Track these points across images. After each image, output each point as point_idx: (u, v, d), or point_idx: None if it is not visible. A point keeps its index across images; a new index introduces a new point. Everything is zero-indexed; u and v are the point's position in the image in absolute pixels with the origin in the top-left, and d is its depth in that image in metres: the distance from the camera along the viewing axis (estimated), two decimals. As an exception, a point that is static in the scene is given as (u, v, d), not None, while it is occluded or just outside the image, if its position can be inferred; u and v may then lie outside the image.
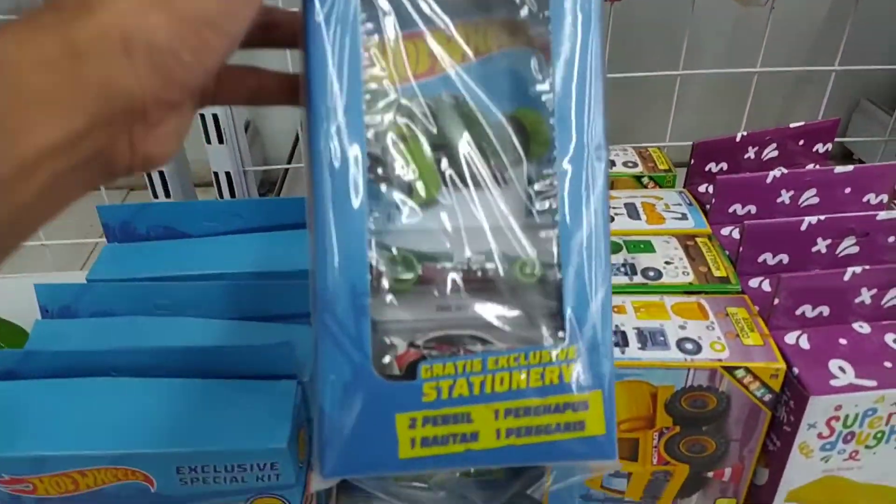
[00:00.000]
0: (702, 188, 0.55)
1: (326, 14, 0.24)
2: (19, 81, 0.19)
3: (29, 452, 0.37)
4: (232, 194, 0.74)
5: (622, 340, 0.40)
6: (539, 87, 0.26)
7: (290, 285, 0.46)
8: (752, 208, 0.50)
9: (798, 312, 0.41)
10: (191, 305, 0.46)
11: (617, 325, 0.41)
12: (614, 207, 0.52)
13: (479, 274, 0.26)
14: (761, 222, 0.44)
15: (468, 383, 0.25)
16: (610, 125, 0.26)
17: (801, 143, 0.54)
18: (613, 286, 0.26)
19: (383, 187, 0.26)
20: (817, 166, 0.53)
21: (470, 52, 0.26)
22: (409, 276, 0.26)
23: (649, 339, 0.40)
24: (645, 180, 0.57)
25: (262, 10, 0.23)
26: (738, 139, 0.53)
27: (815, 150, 0.55)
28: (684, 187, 0.56)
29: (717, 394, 0.40)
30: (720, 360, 0.39)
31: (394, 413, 0.25)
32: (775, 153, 0.54)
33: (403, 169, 0.26)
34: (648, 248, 0.48)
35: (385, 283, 0.26)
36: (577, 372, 0.25)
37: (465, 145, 0.26)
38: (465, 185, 0.26)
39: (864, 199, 0.49)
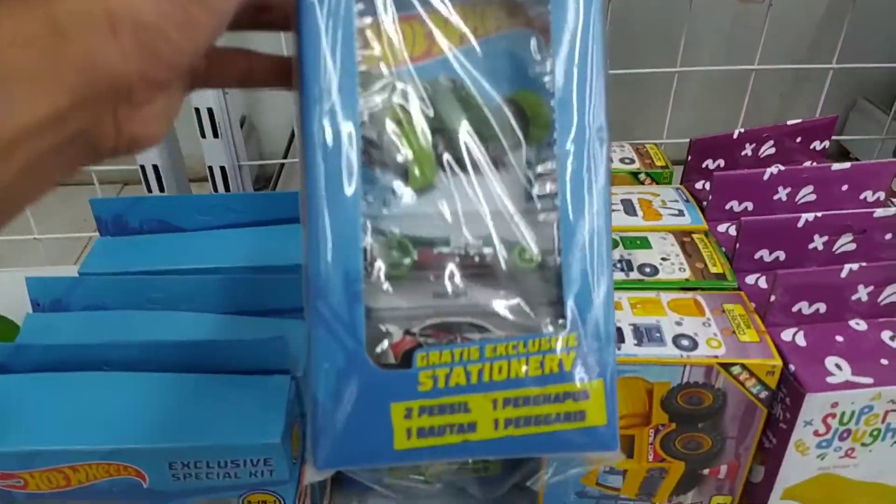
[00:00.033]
0: (699, 185, 0.55)
1: None
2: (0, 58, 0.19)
3: (19, 447, 0.36)
4: (227, 189, 0.74)
5: (618, 336, 0.40)
6: (539, 69, 0.25)
7: (283, 280, 0.45)
8: (749, 205, 0.50)
9: (795, 309, 0.41)
10: (184, 299, 0.45)
11: (613, 321, 0.41)
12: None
13: (477, 259, 0.26)
14: (758, 219, 0.44)
15: (465, 372, 0.24)
16: (611, 110, 0.25)
17: (799, 140, 0.54)
18: (609, 283, 0.26)
19: (378, 171, 0.25)
20: (814, 163, 0.52)
21: (468, 34, 0.26)
22: (404, 261, 0.25)
23: (645, 335, 0.40)
24: (642, 177, 0.57)
25: None
26: (735, 136, 0.53)
27: (812, 147, 0.55)
28: (681, 184, 0.56)
29: (714, 391, 0.40)
30: (716, 356, 0.39)
31: (389, 402, 0.24)
32: (772, 150, 0.54)
33: (399, 153, 0.25)
34: (645, 244, 0.47)
35: (380, 269, 0.25)
36: (578, 360, 0.25)
37: (462, 129, 0.25)
38: (463, 169, 0.26)
39: (861, 197, 0.49)
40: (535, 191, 0.26)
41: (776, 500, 0.43)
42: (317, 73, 0.24)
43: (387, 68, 0.25)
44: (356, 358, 0.24)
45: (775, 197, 0.49)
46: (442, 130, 0.26)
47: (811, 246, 0.45)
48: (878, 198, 0.49)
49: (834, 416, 0.39)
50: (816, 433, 0.40)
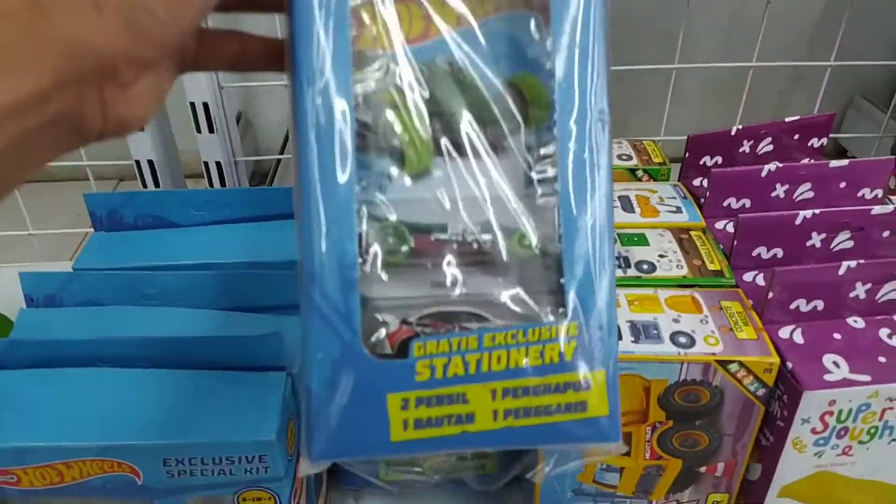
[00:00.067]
0: (696, 182, 0.55)
1: None
2: None
3: (13, 443, 0.36)
4: (222, 185, 0.73)
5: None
6: (539, 50, 0.25)
7: (279, 275, 0.45)
8: (747, 202, 0.49)
9: (792, 307, 0.41)
10: (179, 295, 0.45)
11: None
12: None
13: (476, 246, 0.25)
14: (756, 216, 0.44)
15: (464, 362, 0.24)
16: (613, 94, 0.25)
17: (797, 137, 0.54)
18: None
19: (373, 155, 0.25)
20: (812, 161, 0.52)
21: (467, 15, 0.25)
22: (401, 248, 0.25)
23: (643, 332, 0.40)
24: (639, 173, 0.57)
25: None
26: (733, 133, 0.53)
27: (810, 144, 0.55)
28: (679, 181, 0.56)
29: (711, 388, 0.39)
30: (714, 353, 0.39)
31: (385, 393, 0.24)
32: (770, 147, 0.54)
33: (394, 136, 0.25)
34: (642, 241, 0.47)
35: (376, 257, 0.25)
36: (580, 350, 0.24)
37: (460, 112, 0.25)
38: (461, 153, 0.25)
39: (859, 194, 0.49)
40: (535, 175, 0.25)
41: (773, 498, 0.43)
42: (309, 53, 0.23)
43: (382, 50, 0.25)
44: (351, 348, 0.24)
45: (773, 194, 0.48)
46: (439, 114, 0.25)
47: (809, 243, 0.44)
48: (876, 195, 0.49)
49: (831, 413, 0.39)
50: (814, 431, 0.40)
